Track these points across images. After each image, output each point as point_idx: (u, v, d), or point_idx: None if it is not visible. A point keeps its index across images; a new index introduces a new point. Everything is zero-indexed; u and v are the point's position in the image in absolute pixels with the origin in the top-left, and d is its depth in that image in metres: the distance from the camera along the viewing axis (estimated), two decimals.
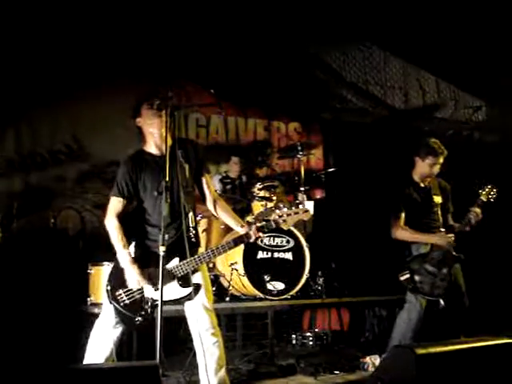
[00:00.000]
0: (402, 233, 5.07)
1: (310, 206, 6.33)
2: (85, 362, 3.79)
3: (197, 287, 3.76)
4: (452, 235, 4.99)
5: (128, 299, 3.74)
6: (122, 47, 6.49)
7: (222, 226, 5.71)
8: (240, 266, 5.36)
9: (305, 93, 7.62)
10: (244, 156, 6.71)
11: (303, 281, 5.59)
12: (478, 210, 4.99)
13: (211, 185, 4.10)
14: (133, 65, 6.58)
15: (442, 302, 5.01)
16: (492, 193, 5.02)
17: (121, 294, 3.76)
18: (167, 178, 3.55)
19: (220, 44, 6.96)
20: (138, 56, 6.56)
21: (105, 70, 6.46)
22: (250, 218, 5.93)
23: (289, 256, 5.61)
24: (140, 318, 3.73)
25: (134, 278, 3.70)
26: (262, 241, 5.49)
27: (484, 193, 5.01)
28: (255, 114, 7.51)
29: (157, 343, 3.38)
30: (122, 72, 6.53)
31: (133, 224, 3.89)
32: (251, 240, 3.87)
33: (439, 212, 5.27)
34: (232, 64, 7.08)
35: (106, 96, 6.49)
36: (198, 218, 5.57)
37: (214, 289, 5.65)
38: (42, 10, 6.11)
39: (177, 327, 5.11)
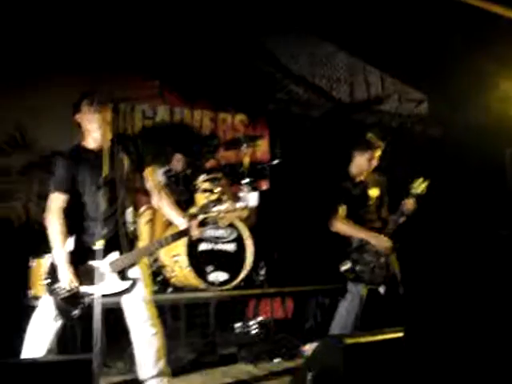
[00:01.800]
0: (342, 226, 5.22)
1: (254, 197, 6.44)
2: (23, 355, 3.83)
3: (134, 281, 3.84)
4: (387, 239, 5.17)
5: (66, 292, 3.79)
6: (68, 38, 6.43)
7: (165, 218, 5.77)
8: (183, 258, 5.44)
9: (252, 85, 7.68)
10: (187, 153, 6.74)
11: (245, 272, 5.70)
12: (410, 201, 5.18)
13: (153, 178, 4.16)
14: (77, 54, 6.52)
15: (381, 290, 5.21)
16: (422, 186, 5.21)
17: (59, 287, 3.80)
18: (105, 173, 3.61)
19: (166, 34, 6.96)
20: (82, 45, 6.51)
21: (47, 60, 6.38)
22: (193, 210, 6.02)
23: (231, 247, 5.71)
24: (77, 312, 3.79)
25: (67, 278, 3.75)
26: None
27: (415, 186, 5.20)
28: (201, 106, 7.54)
29: (93, 338, 3.44)
30: (65, 62, 6.47)
31: (71, 219, 3.93)
32: (192, 235, 3.96)
33: (375, 205, 5.44)
34: (179, 55, 7.09)
35: (49, 85, 6.42)
36: (142, 210, 5.70)
37: (158, 279, 5.75)
38: None
39: (121, 317, 5.17)
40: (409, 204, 5.16)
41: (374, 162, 5.31)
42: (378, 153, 5.28)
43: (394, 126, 8.69)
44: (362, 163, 5.31)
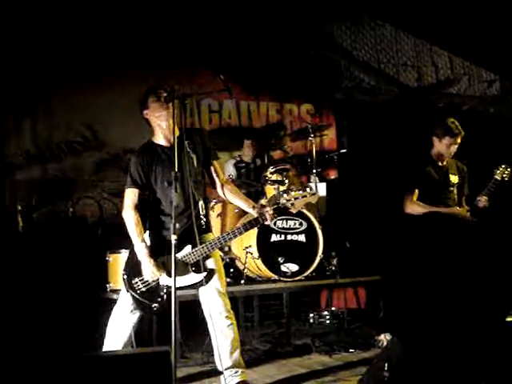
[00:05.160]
0: (414, 207, 5.15)
1: (322, 187, 6.41)
2: (104, 347, 3.94)
3: (209, 273, 3.88)
4: (466, 209, 5.08)
5: (144, 287, 3.88)
6: (134, 34, 6.56)
7: (237, 210, 5.81)
8: (254, 250, 5.46)
9: (317, 74, 7.63)
10: (257, 138, 6.77)
11: (317, 262, 5.67)
12: (485, 197, 5.08)
13: (220, 171, 4.20)
14: (145, 52, 6.65)
15: None
16: (506, 172, 5.10)
17: (137, 282, 3.89)
18: (176, 169, 3.65)
19: (230, 28, 7.00)
20: (149, 43, 6.63)
21: (117, 58, 6.55)
22: (263, 202, 6.04)
23: (302, 238, 5.69)
24: (156, 305, 3.87)
25: (149, 271, 3.83)
26: (275, 224, 5.58)
27: (498, 172, 5.10)
28: (267, 97, 7.55)
29: (172, 329, 3.49)
30: (134, 59, 6.61)
31: (147, 214, 4.02)
32: (267, 222, 3.96)
33: (455, 191, 5.34)
34: (242, 48, 7.13)
35: (120, 84, 6.59)
36: (212, 203, 5.77)
37: (231, 271, 5.80)
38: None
39: (197, 310, 5.25)
40: (483, 201, 5.07)
41: (454, 148, 5.21)
42: (459, 139, 5.17)
43: (465, 109, 8.45)
44: (442, 148, 5.22)
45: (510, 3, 7.09)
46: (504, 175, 5.11)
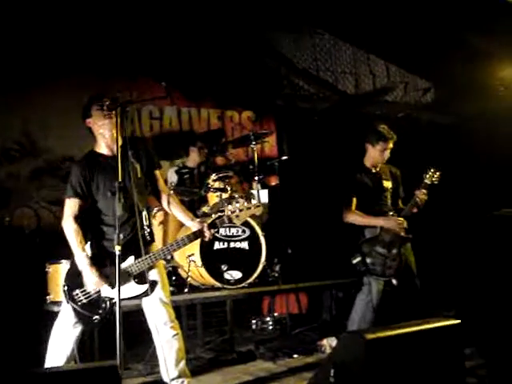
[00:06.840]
0: (353, 217, 5.21)
1: (264, 194, 6.44)
2: (46, 362, 3.85)
3: (153, 283, 3.85)
4: (402, 219, 5.15)
5: (85, 299, 3.81)
6: (71, 42, 6.43)
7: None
8: (197, 258, 5.44)
9: (257, 81, 7.68)
10: (205, 144, 6.76)
11: (260, 269, 5.70)
12: (423, 191, 5.17)
13: (162, 181, 4.18)
14: (84, 59, 6.53)
15: (394, 281, 5.18)
16: (435, 176, 5.20)
17: (78, 294, 3.82)
18: (120, 179, 3.61)
19: (170, 35, 6.96)
20: (88, 50, 6.52)
21: (56, 65, 6.39)
22: (205, 209, 6.03)
23: (245, 245, 5.71)
24: (97, 317, 3.80)
25: (92, 281, 3.76)
26: (218, 231, 5.57)
27: (428, 176, 5.19)
28: (208, 104, 7.54)
29: (117, 343, 3.44)
30: (72, 67, 6.47)
31: (88, 224, 3.94)
32: (206, 239, 3.97)
33: (389, 197, 5.43)
34: (183, 55, 7.09)
35: (58, 91, 6.44)
36: (154, 211, 5.70)
37: (174, 279, 5.75)
38: None
39: (138, 319, 5.18)
40: (421, 194, 5.15)
41: (387, 154, 5.29)
42: (391, 144, 5.27)
43: (400, 116, 8.66)
44: (375, 154, 5.29)
45: (443, 13, 7.30)
46: (433, 179, 5.23)
